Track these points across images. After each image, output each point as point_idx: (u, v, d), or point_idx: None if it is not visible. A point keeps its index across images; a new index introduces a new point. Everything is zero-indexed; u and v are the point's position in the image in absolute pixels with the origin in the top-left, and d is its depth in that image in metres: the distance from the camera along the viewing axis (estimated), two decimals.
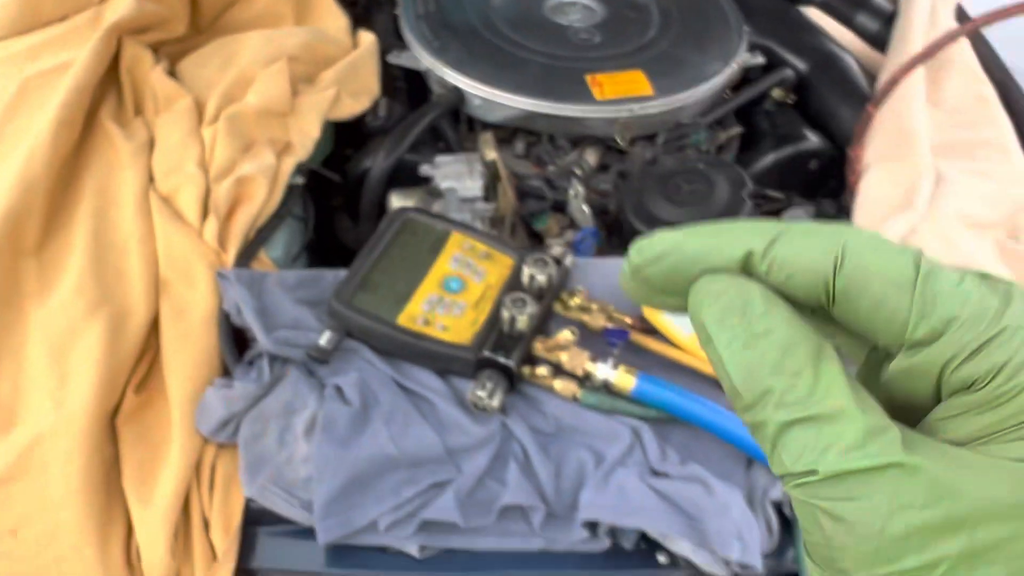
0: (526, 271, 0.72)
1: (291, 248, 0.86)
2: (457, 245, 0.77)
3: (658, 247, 0.24)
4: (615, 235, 0.98)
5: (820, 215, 0.96)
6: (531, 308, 0.69)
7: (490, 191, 0.93)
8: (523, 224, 0.98)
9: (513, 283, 0.75)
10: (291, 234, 0.86)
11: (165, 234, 0.79)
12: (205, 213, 0.82)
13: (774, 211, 1.00)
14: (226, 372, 0.74)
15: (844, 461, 0.20)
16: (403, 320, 0.71)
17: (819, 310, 0.24)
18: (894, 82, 0.90)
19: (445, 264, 0.75)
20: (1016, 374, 0.21)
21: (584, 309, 0.74)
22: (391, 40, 1.13)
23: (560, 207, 0.98)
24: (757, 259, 0.23)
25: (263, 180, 0.82)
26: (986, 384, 0.22)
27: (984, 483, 0.21)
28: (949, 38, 0.91)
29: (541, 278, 0.72)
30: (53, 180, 0.81)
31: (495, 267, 0.76)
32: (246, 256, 0.79)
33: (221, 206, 0.80)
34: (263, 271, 0.78)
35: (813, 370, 0.22)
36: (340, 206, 1.01)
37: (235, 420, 0.68)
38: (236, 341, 0.75)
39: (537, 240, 0.99)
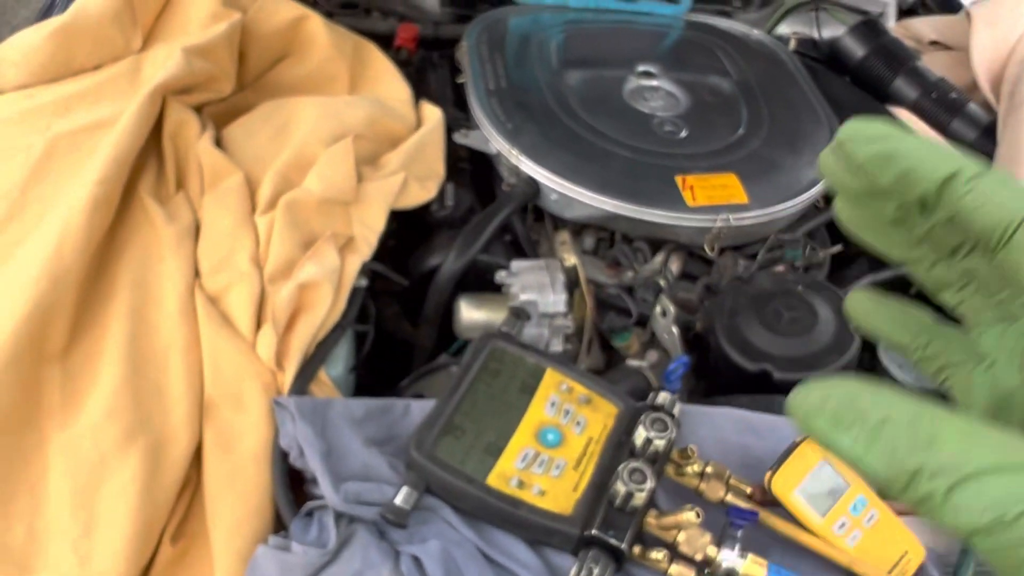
0: (642, 433, 0.62)
1: (350, 362, 0.76)
2: (553, 385, 0.67)
3: (872, 130, 0.27)
4: (696, 352, 0.89)
5: None
6: (650, 483, 0.59)
7: (570, 302, 0.84)
8: (599, 338, 0.89)
9: (618, 438, 0.65)
10: (350, 348, 0.76)
11: (212, 345, 0.69)
12: (258, 319, 0.71)
13: (870, 339, 0.91)
14: (278, 521, 0.64)
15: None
16: (494, 480, 0.61)
17: (975, 254, 0.28)
18: None
19: (540, 409, 0.66)
20: None
21: (701, 476, 0.64)
22: (448, 108, 1.03)
23: (641, 320, 0.88)
24: (961, 180, 0.26)
25: (328, 287, 0.72)
26: None
27: None
28: None
29: (660, 443, 0.62)
30: (85, 271, 0.70)
31: (597, 416, 0.66)
32: (305, 376, 0.69)
33: (280, 316, 0.70)
34: (326, 399, 0.68)
35: (945, 430, 0.22)
36: (397, 312, 0.91)
37: None
38: (291, 481, 0.65)
39: (613, 354, 0.90)
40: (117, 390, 0.65)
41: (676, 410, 0.67)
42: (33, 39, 0.91)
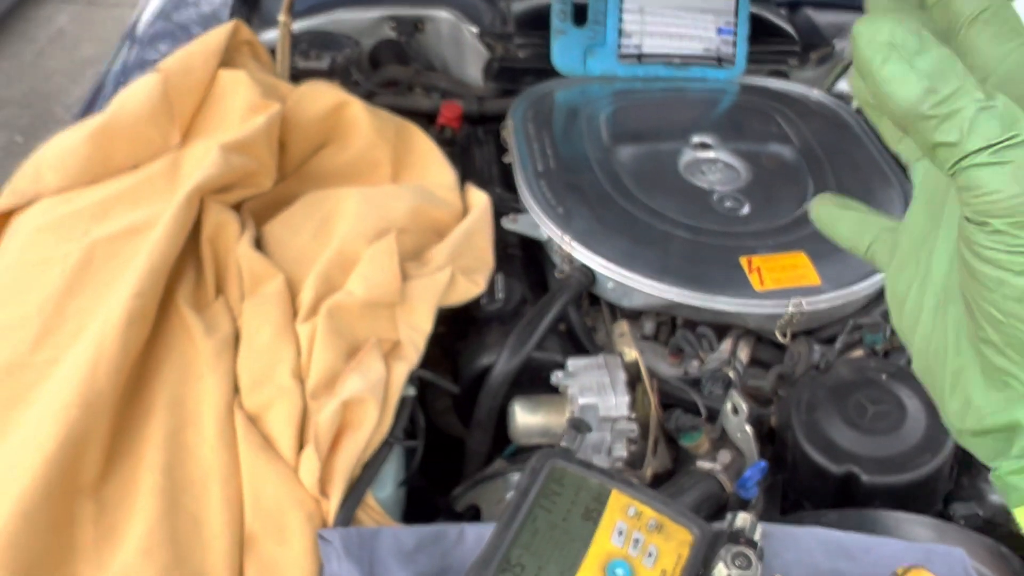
0: (723, 570, 0.56)
1: (400, 478, 0.71)
2: (620, 510, 0.61)
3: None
4: (772, 445, 0.82)
5: None
6: None
7: (632, 401, 0.78)
8: (665, 435, 0.82)
9: (695, 571, 0.58)
10: (399, 461, 0.71)
11: (253, 471, 0.64)
12: (301, 439, 0.67)
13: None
14: None
15: None
16: None
17: None
18: None
19: (606, 539, 0.60)
20: None
21: None
22: (495, 188, 0.99)
23: (711, 415, 0.82)
24: None
25: (373, 402, 0.67)
26: None
27: None
28: None
29: None
30: (120, 393, 0.67)
31: (670, 545, 0.60)
32: (351, 503, 0.64)
33: (323, 438, 0.65)
34: (374, 529, 0.63)
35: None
36: (448, 407, 0.86)
37: None
38: None
39: (680, 450, 0.83)
40: (153, 527, 0.61)
41: (758, 534, 0.61)
42: (71, 141, 0.89)
